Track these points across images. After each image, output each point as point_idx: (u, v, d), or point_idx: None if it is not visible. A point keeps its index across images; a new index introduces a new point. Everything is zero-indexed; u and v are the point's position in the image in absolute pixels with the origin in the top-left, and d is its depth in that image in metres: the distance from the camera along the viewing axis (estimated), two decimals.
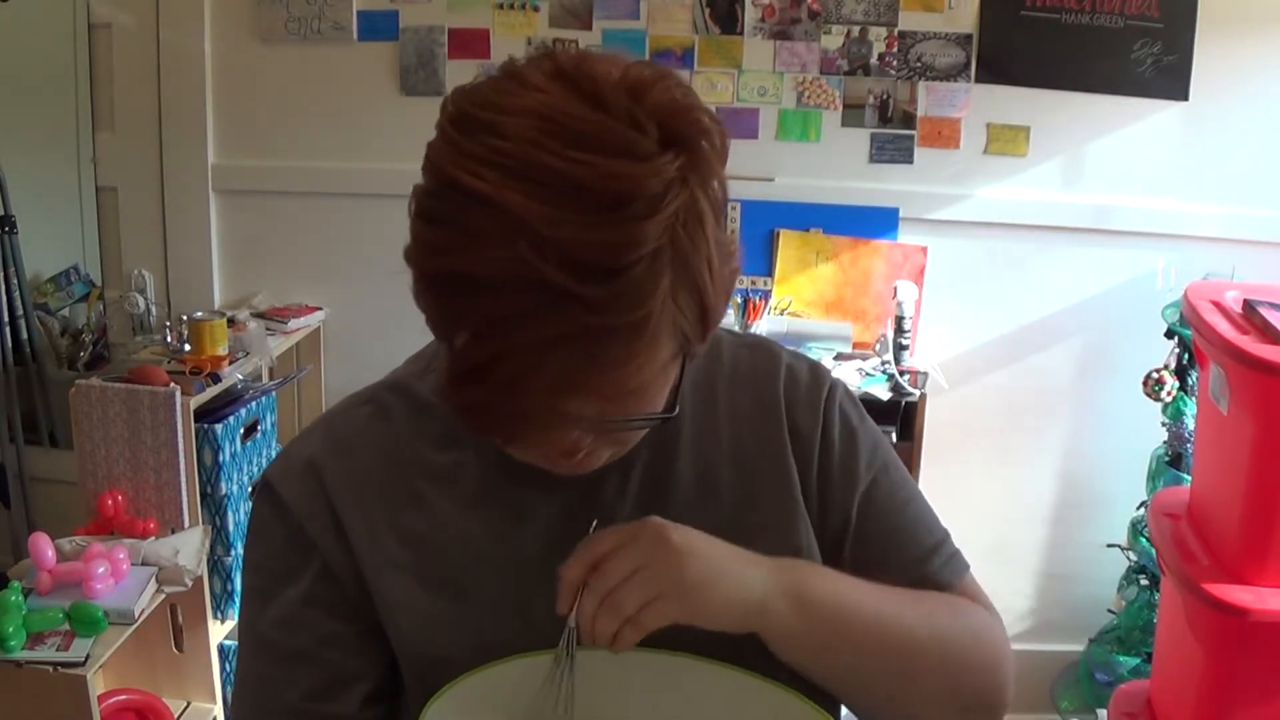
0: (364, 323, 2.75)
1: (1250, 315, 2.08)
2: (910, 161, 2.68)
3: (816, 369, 1.02)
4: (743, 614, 0.84)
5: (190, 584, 2.18)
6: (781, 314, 2.68)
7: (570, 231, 0.68)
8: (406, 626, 0.91)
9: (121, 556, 2.10)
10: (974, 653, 0.94)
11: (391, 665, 0.94)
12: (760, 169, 2.66)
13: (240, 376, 2.43)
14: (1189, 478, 2.43)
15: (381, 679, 0.94)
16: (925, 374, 2.49)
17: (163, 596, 2.15)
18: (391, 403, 0.96)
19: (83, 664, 1.90)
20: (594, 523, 0.87)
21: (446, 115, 0.75)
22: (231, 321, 2.47)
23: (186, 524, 2.27)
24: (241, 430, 2.40)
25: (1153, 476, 2.60)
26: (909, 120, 2.67)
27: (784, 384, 0.99)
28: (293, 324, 2.65)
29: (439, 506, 0.93)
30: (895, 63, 2.64)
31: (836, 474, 0.97)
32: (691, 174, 0.72)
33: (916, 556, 0.97)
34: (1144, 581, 2.62)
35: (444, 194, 0.73)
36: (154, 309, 2.77)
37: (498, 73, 0.76)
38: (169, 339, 2.42)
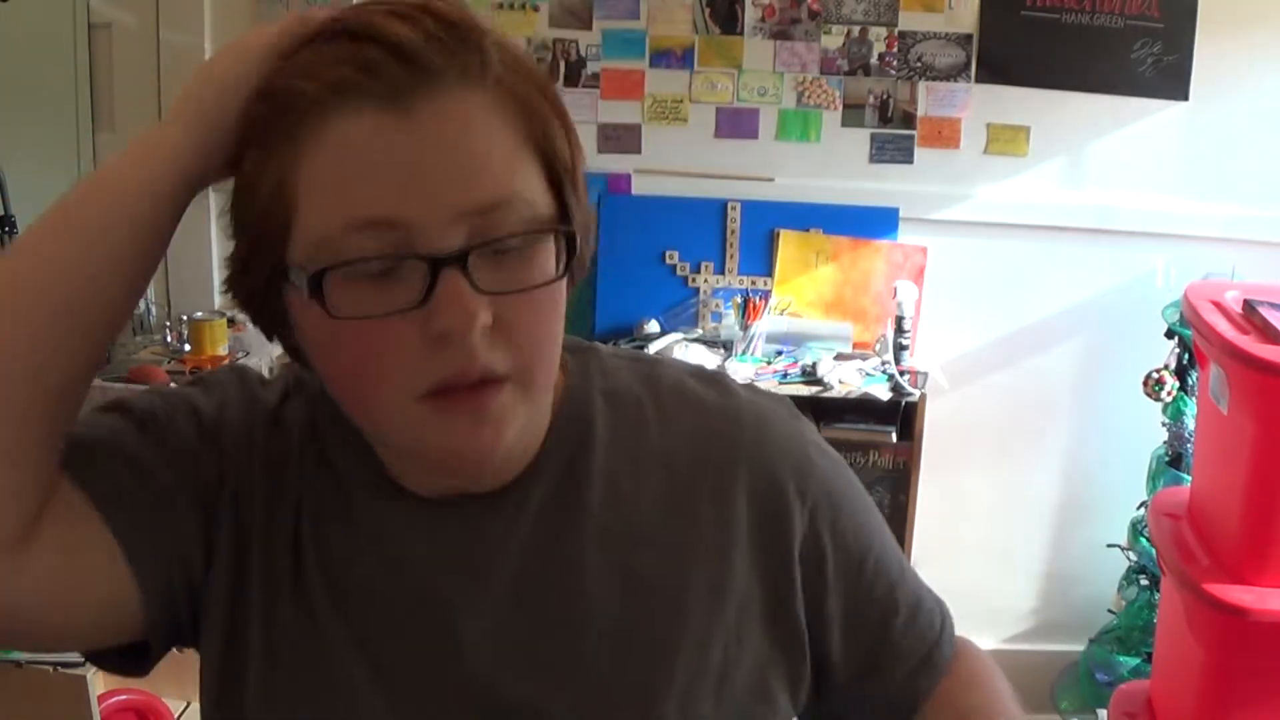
0: None
1: (1250, 315, 2.08)
2: (910, 161, 2.68)
3: (790, 431, 0.86)
4: None
5: None
6: (781, 314, 2.67)
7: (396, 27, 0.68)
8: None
9: None
10: None
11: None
12: (760, 169, 2.65)
13: None
14: (1189, 478, 2.43)
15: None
16: (925, 374, 2.49)
17: None
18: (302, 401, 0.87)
19: (83, 664, 1.90)
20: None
21: None
22: (231, 321, 2.47)
23: None
24: None
25: (1153, 476, 2.60)
26: (909, 120, 2.67)
27: (745, 451, 0.83)
28: None
29: (347, 533, 0.81)
30: (895, 63, 2.64)
31: (819, 576, 0.84)
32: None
33: (919, 634, 0.89)
34: (1144, 581, 2.62)
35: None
36: (154, 309, 2.77)
37: None
38: (169, 339, 2.42)
